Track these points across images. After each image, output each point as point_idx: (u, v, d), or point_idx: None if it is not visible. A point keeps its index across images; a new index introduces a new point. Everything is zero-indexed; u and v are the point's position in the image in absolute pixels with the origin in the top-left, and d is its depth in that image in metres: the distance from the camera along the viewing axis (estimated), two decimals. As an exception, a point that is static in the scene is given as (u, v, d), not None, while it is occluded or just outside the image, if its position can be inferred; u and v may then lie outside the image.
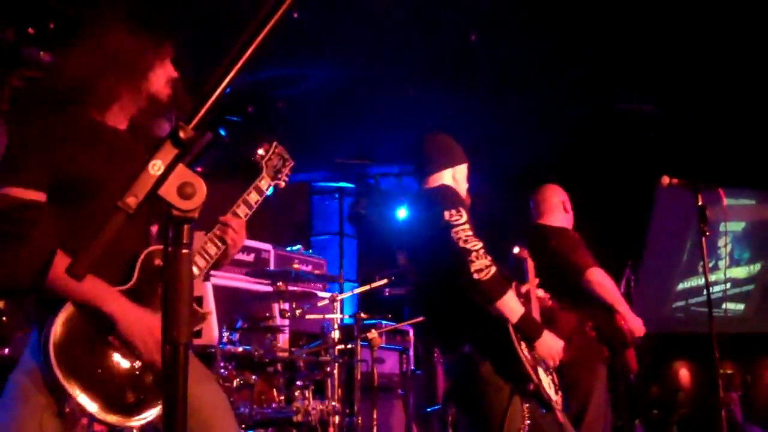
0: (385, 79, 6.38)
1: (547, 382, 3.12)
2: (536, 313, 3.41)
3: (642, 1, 5.25)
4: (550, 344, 3.13)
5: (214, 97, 1.17)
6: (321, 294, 5.61)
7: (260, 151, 2.65)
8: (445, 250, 2.98)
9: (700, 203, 3.68)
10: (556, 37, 5.71)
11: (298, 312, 5.01)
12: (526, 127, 7.21)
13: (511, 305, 3.00)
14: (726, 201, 3.90)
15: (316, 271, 6.31)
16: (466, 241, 2.94)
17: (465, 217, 2.99)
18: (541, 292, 3.56)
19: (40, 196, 2.09)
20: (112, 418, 2.05)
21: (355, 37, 5.65)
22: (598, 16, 5.38)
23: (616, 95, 6.72)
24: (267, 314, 5.16)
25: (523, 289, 3.42)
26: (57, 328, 2.04)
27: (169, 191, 1.12)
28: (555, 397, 3.13)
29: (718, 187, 3.80)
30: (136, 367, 2.13)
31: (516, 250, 3.63)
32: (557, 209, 4.54)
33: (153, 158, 1.10)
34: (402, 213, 8.45)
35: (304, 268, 5.65)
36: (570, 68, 6.19)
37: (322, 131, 7.36)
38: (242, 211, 2.46)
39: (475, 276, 2.90)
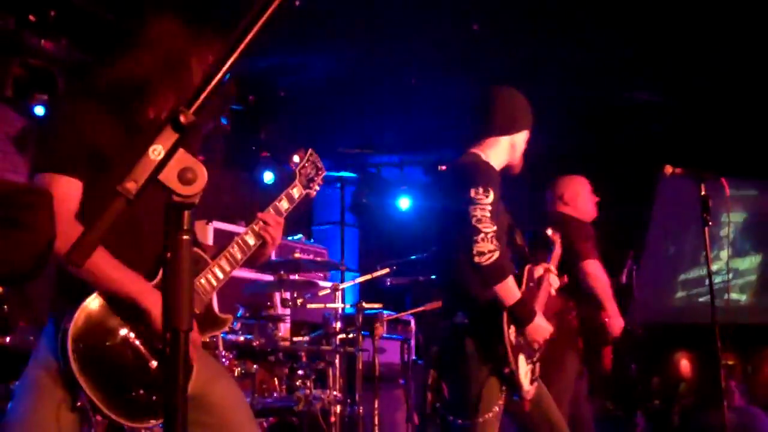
0: (387, 68, 6.35)
1: (524, 371, 3.14)
2: (543, 300, 3.42)
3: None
4: (540, 328, 3.16)
5: (214, 83, 1.15)
6: (322, 284, 5.60)
7: (295, 158, 2.62)
8: (460, 223, 3.00)
9: (702, 193, 3.65)
10: (561, 27, 5.68)
11: (299, 301, 5.00)
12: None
13: (507, 291, 3.02)
14: (729, 191, 3.87)
15: (318, 259, 6.30)
16: (479, 221, 2.95)
17: (491, 198, 2.99)
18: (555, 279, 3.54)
19: (70, 183, 2.08)
20: (123, 418, 2.04)
21: (357, 25, 5.62)
22: (601, 4, 5.35)
23: (620, 85, 6.68)
24: (268, 303, 5.15)
25: (536, 273, 3.42)
26: (77, 322, 2.02)
27: (169, 176, 1.10)
28: (528, 388, 3.15)
29: (721, 177, 3.78)
30: (152, 367, 2.12)
31: (549, 231, 3.66)
32: (583, 202, 4.58)
33: (153, 143, 1.09)
34: (404, 203, 8.43)
35: (305, 257, 5.64)
36: (575, 58, 6.16)
37: (323, 120, 7.34)
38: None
39: (476, 259, 2.93)
